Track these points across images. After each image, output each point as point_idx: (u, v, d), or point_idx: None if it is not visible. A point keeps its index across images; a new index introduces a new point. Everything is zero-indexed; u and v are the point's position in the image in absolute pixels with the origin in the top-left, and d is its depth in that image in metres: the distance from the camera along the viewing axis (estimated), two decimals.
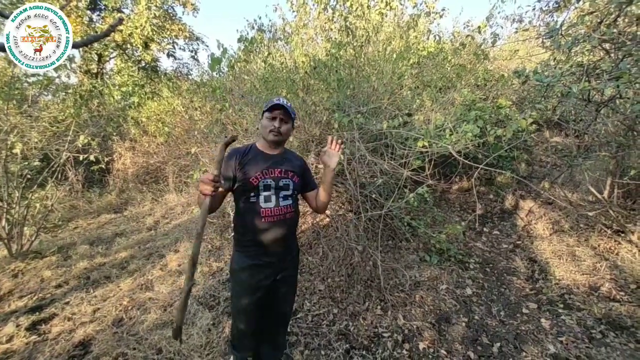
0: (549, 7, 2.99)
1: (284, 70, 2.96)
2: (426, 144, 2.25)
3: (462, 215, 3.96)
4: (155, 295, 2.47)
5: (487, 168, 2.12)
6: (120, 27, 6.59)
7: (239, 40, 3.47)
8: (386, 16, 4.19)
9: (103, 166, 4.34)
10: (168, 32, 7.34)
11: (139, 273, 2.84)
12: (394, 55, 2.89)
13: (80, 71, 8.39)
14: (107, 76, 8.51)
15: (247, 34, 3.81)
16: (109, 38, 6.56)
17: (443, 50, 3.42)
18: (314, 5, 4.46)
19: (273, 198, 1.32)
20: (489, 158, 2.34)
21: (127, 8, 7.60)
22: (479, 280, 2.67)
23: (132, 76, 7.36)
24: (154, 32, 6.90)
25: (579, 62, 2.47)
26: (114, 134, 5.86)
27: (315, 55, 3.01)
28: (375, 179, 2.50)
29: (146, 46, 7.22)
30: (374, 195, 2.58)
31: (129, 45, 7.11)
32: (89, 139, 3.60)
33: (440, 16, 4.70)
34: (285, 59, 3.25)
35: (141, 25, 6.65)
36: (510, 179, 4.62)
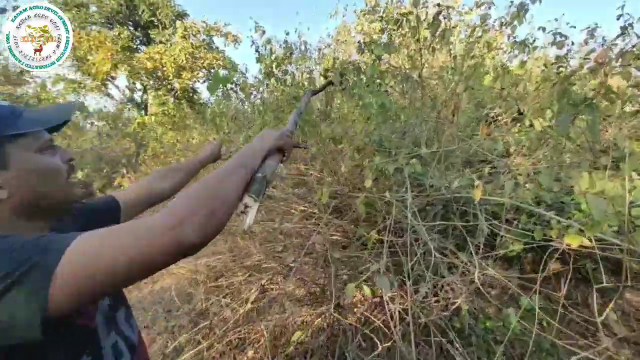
0: None
1: (296, 86, 1.92)
2: (588, 240, 0.95)
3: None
4: None
5: None
6: (154, 56, 6.42)
7: (258, 61, 2.64)
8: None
9: None
10: (201, 61, 7.07)
11: None
12: (482, 69, 1.70)
13: (123, 102, 8.52)
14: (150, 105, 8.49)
15: (269, 51, 2.97)
16: (140, 65, 6.39)
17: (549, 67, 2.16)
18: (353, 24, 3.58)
19: None
20: None
21: (169, 41, 7.62)
22: None
23: (164, 105, 7.08)
24: (187, 61, 6.62)
25: None
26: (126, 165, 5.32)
27: (345, 60, 1.93)
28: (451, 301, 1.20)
29: (178, 75, 6.98)
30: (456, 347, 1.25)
31: (160, 73, 6.93)
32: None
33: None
34: (302, 75, 2.23)
35: (176, 54, 6.43)
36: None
